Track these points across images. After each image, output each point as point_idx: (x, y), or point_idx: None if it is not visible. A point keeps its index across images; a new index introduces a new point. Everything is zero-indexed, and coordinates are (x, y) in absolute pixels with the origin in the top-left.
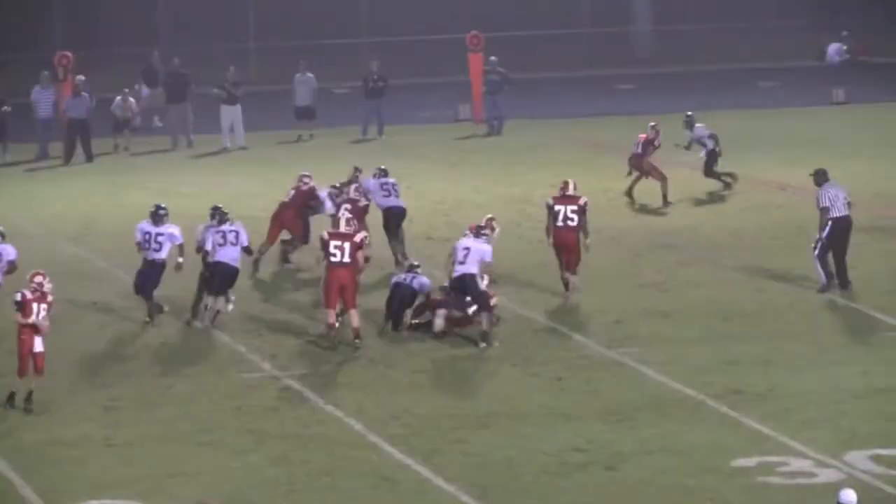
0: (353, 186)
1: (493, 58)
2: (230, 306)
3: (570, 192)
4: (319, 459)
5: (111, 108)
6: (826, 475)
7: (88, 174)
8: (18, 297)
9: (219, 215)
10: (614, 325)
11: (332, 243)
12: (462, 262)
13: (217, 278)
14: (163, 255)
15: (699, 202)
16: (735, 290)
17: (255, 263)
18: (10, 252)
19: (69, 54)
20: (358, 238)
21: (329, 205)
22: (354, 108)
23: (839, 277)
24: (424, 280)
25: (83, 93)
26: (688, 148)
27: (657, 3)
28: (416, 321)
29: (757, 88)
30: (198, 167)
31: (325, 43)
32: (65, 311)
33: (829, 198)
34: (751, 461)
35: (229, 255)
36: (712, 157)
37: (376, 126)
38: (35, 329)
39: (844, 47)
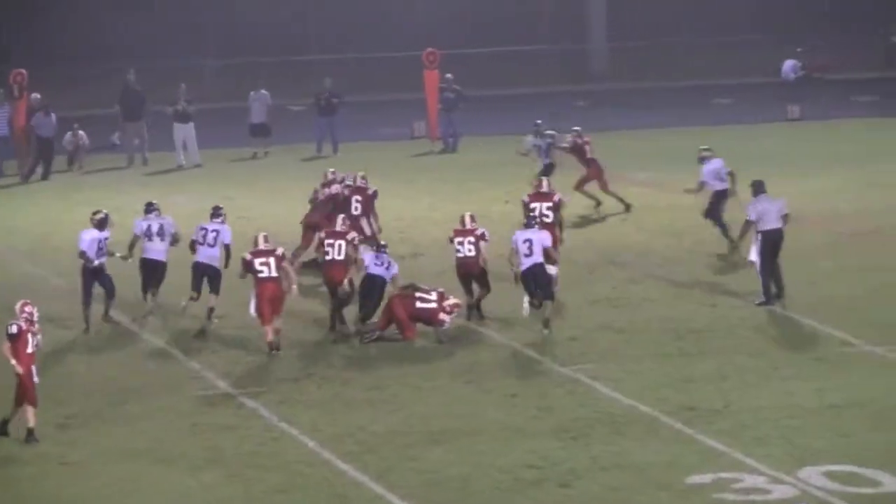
0: (359, 174)
1: (448, 75)
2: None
3: (544, 189)
4: (274, 477)
5: (62, 143)
6: (780, 491)
7: (43, 191)
8: (14, 328)
9: (216, 211)
10: (568, 341)
11: (258, 261)
12: (529, 255)
13: (197, 278)
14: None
15: (651, 218)
16: (688, 306)
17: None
18: None
19: (23, 72)
20: (280, 252)
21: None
22: (310, 126)
23: (775, 286)
24: (395, 268)
25: (52, 112)
26: (525, 154)
27: (612, 20)
28: (368, 338)
29: (712, 105)
30: (153, 185)
31: (282, 60)
32: None
33: (758, 211)
34: (705, 478)
35: (207, 254)
36: (550, 168)
37: (331, 143)
38: (31, 359)
39: (799, 64)
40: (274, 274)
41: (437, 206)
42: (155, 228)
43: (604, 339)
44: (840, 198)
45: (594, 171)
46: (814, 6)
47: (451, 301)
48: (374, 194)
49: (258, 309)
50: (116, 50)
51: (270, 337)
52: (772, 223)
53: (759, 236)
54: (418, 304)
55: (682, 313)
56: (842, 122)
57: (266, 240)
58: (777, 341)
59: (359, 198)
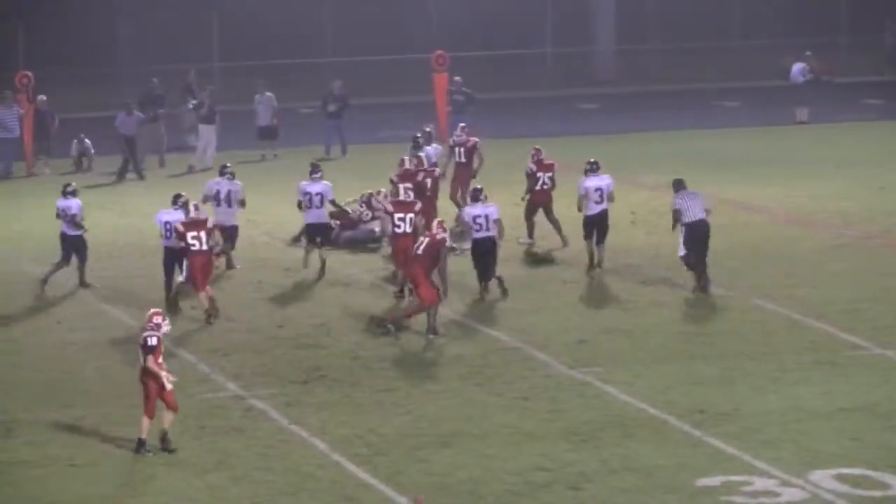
0: (405, 158)
1: (457, 78)
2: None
3: (543, 157)
4: (283, 479)
5: (70, 152)
6: (790, 494)
7: (51, 193)
8: (154, 340)
9: (312, 167)
10: (578, 344)
11: (190, 234)
12: (599, 202)
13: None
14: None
15: (660, 221)
16: (697, 309)
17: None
18: None
19: (30, 74)
20: (211, 223)
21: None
22: (319, 128)
23: (699, 280)
24: (493, 212)
25: (134, 112)
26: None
27: (620, 23)
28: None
29: (720, 108)
30: (164, 187)
31: (290, 63)
32: (28, 331)
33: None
34: (714, 480)
35: (316, 214)
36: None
37: (339, 146)
38: (160, 368)
39: (808, 67)
40: (205, 247)
41: (448, 208)
42: (223, 194)
43: (613, 342)
44: (849, 201)
45: (464, 174)
46: (823, 8)
47: (435, 224)
48: (428, 178)
49: (191, 278)
50: (123, 53)
51: (206, 304)
52: (696, 215)
53: (684, 229)
54: (419, 251)
55: (691, 316)
56: (850, 125)
57: (196, 208)
58: (786, 344)
59: (409, 185)
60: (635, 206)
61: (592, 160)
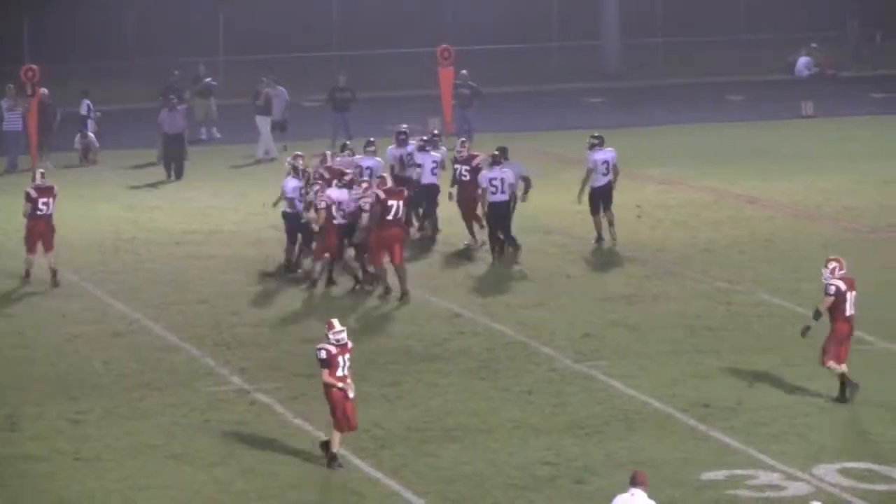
0: (328, 153)
1: (463, 71)
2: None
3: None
4: (288, 473)
5: (73, 144)
6: (795, 488)
7: (58, 187)
8: (323, 353)
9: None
10: (583, 338)
11: (41, 200)
12: (605, 174)
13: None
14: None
15: (667, 215)
16: (703, 303)
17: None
18: None
19: (35, 67)
20: (55, 189)
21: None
22: (324, 121)
23: (498, 251)
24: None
25: (178, 107)
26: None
27: (626, 17)
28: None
29: (725, 102)
30: (167, 183)
31: (296, 56)
32: (34, 325)
33: (489, 179)
34: (719, 474)
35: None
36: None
37: (345, 139)
38: (344, 381)
39: (813, 61)
40: (50, 212)
41: (450, 204)
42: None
43: (618, 335)
44: (855, 195)
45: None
46: (828, 2)
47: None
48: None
49: (27, 241)
50: (129, 46)
51: (31, 267)
52: (500, 196)
53: (489, 206)
54: (399, 215)
55: (697, 310)
56: (856, 119)
57: (42, 176)
58: (791, 338)
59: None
60: (641, 200)
61: (597, 134)
